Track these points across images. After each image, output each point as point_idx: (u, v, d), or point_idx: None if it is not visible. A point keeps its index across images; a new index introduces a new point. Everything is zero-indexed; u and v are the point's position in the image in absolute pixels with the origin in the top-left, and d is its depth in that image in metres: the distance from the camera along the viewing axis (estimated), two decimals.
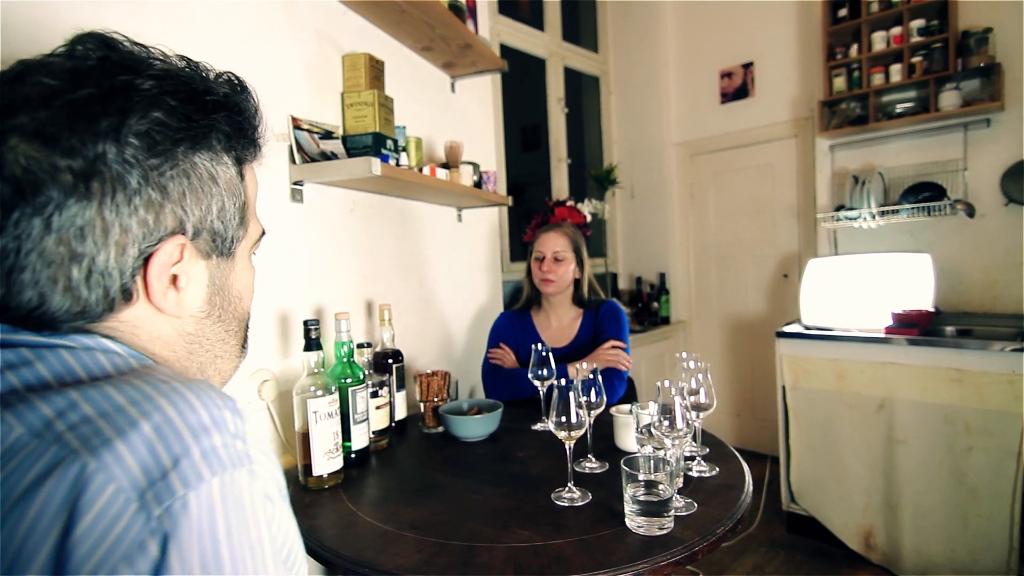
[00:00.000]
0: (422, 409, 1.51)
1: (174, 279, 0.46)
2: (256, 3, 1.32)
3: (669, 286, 3.44)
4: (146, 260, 0.44)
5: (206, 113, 0.46)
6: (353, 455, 1.25)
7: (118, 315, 0.45)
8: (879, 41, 2.53)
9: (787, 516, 2.42)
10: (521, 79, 3.36)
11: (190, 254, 0.47)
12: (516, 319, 1.86)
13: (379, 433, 1.36)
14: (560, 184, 3.32)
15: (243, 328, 0.56)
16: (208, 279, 0.49)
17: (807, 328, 2.39)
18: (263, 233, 0.57)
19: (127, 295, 0.44)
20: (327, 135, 1.44)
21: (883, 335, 2.12)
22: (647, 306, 3.37)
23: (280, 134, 1.35)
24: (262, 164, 0.56)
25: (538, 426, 1.47)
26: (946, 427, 1.96)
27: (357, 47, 1.61)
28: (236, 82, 0.52)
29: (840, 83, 2.64)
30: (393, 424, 1.47)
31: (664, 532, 0.90)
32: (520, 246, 2.94)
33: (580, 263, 1.78)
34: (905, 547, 2.06)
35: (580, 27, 3.65)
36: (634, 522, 0.92)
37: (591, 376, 1.15)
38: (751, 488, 1.07)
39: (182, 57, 0.48)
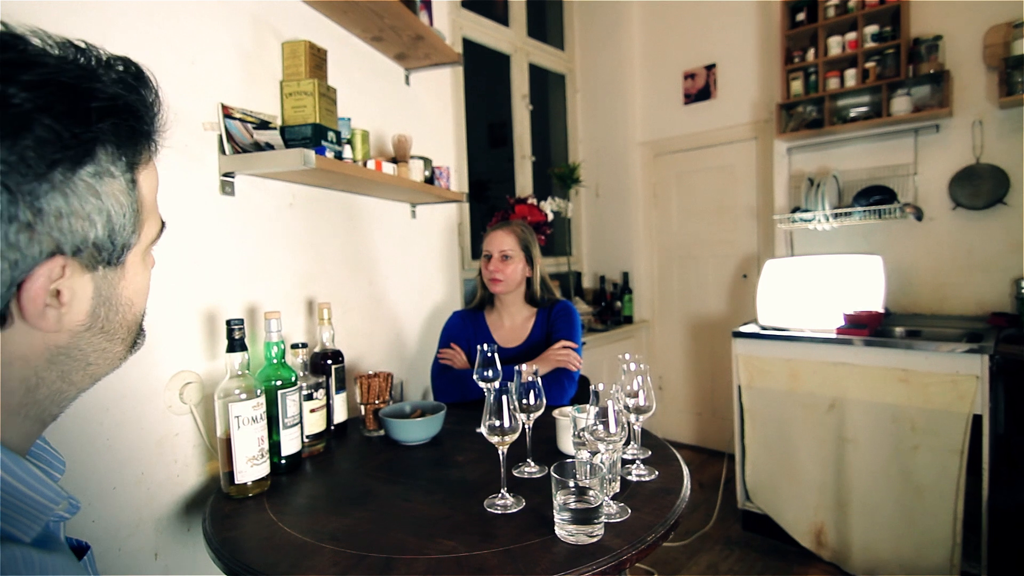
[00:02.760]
0: (363, 412, 1.46)
1: (58, 294, 0.43)
2: None
3: (632, 285, 3.44)
4: (19, 284, 0.40)
5: (90, 124, 0.41)
6: (283, 461, 1.20)
7: None
8: (835, 46, 2.56)
9: (742, 514, 2.44)
10: (488, 75, 3.32)
11: (72, 270, 0.43)
12: (469, 319, 1.82)
13: (314, 437, 1.30)
14: (524, 181, 3.29)
15: (132, 333, 0.53)
16: (93, 292, 0.46)
17: (763, 328, 2.41)
18: (162, 228, 0.53)
19: (0, 320, 0.41)
20: (263, 125, 1.38)
21: (834, 336, 2.15)
22: (610, 305, 3.36)
23: (209, 123, 1.28)
24: (167, 151, 0.51)
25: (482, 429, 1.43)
26: (893, 426, 1.99)
27: (300, 34, 1.54)
28: (131, 75, 0.46)
29: (797, 86, 2.67)
30: (332, 428, 1.41)
31: (594, 540, 0.87)
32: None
33: (530, 261, 1.74)
34: (854, 544, 2.09)
35: (547, 24, 3.62)
36: (564, 530, 0.88)
37: (531, 378, 1.12)
38: (688, 492, 1.05)
39: (67, 43, 0.42)
